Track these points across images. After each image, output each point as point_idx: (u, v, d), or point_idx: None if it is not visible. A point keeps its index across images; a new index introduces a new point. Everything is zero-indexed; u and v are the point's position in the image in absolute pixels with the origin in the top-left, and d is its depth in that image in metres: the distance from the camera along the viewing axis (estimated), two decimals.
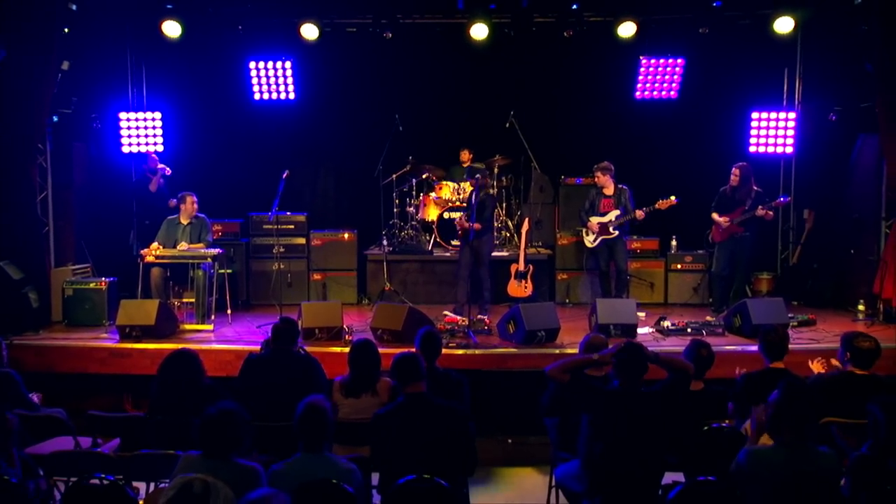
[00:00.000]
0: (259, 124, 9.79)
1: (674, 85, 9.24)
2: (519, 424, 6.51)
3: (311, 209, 9.68)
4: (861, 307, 8.13)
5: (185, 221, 7.96)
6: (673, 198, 7.97)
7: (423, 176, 9.65)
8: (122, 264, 8.52)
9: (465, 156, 9.71)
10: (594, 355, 4.13)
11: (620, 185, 8.23)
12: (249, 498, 2.82)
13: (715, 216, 8.17)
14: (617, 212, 8.14)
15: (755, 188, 8.12)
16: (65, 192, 8.67)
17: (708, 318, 7.90)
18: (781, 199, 8.30)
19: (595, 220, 8.20)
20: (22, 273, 7.71)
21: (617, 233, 8.18)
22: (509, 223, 9.71)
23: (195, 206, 7.97)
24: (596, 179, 8.23)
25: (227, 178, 9.68)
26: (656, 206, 8.01)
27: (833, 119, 8.88)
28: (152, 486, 4.49)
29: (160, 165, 9.04)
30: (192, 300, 7.80)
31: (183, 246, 7.77)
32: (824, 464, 3.60)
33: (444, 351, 5.45)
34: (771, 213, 8.05)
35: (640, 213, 8.06)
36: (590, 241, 8.34)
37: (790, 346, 5.04)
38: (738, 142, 9.26)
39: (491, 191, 8.85)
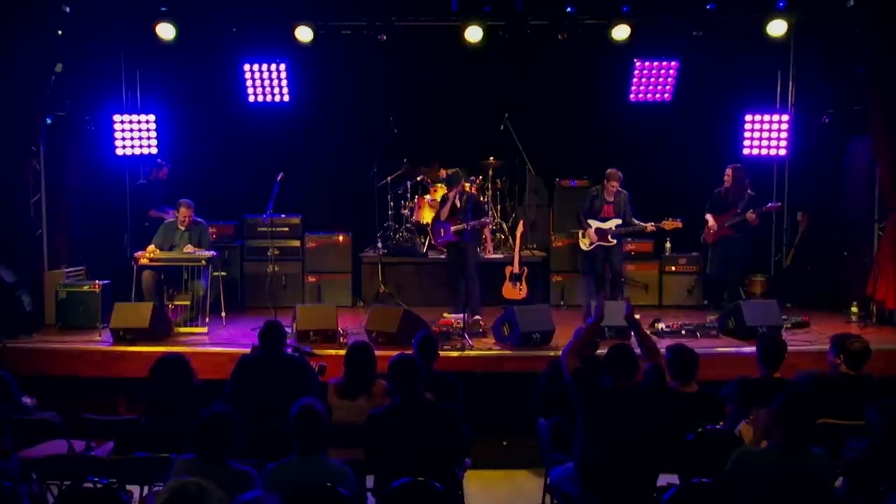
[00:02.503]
0: (253, 127, 9.77)
1: (668, 87, 9.26)
2: (514, 426, 6.50)
3: (306, 211, 9.66)
4: (854, 309, 8.17)
5: (182, 227, 7.96)
6: (679, 221, 8.02)
7: (418, 178, 9.65)
8: (116, 267, 8.49)
9: (442, 172, 9.71)
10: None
11: (619, 189, 8.22)
12: (239, 500, 2.82)
13: (708, 217, 8.21)
14: (618, 220, 8.12)
15: (749, 191, 8.16)
16: (58, 195, 8.64)
17: (709, 318, 7.97)
18: (771, 204, 8.30)
19: (595, 226, 8.19)
20: (15, 276, 7.68)
21: (615, 241, 8.18)
22: (504, 226, 9.72)
23: (191, 216, 7.94)
24: (610, 186, 8.10)
25: (222, 181, 9.66)
26: (662, 224, 8.06)
27: (826, 121, 8.92)
28: (146, 489, 4.48)
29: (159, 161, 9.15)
30: (186, 302, 7.78)
31: (189, 248, 7.77)
32: (816, 464, 3.62)
33: (439, 353, 5.46)
34: (757, 220, 8.07)
35: (650, 227, 8.06)
36: (585, 243, 8.35)
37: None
38: (732, 144, 9.29)
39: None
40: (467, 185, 9.17)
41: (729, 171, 8.21)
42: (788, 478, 3.55)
